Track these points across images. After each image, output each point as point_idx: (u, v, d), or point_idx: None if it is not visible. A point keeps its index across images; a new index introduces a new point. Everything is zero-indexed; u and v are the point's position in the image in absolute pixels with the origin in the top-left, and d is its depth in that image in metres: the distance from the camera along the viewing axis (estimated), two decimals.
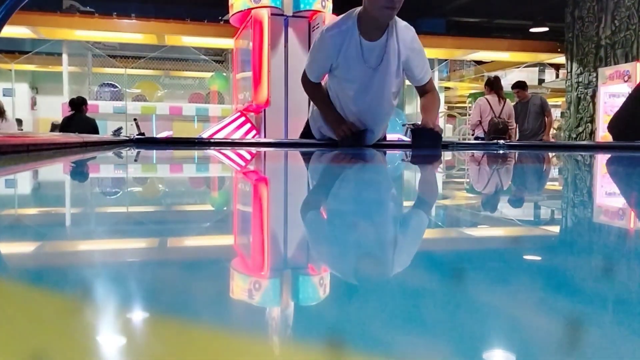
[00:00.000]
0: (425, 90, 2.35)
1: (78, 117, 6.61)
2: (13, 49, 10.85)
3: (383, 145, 2.46)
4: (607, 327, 0.25)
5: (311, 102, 2.48)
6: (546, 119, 6.51)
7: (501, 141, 2.82)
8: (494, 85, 6.36)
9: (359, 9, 2.18)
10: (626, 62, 8.10)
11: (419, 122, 2.32)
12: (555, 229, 0.61)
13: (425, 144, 2.20)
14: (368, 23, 2.14)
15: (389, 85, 2.24)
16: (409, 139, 6.92)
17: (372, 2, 2.10)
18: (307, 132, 2.55)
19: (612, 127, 3.25)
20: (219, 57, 11.22)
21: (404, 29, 2.22)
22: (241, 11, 5.62)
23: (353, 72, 2.20)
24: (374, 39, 2.16)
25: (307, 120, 2.57)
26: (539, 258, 0.41)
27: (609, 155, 2.34)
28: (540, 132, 6.50)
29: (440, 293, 0.30)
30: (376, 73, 2.19)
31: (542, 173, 1.47)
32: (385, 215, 0.64)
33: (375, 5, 2.09)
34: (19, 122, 10.32)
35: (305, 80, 2.34)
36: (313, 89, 2.35)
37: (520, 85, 6.63)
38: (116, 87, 10.95)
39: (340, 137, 2.23)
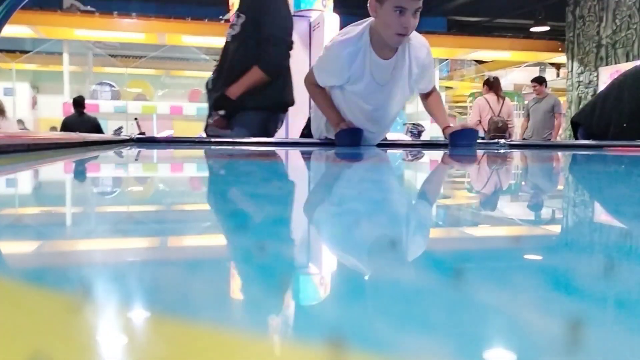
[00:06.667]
0: (429, 92, 2.40)
1: (80, 117, 6.64)
2: (14, 49, 10.87)
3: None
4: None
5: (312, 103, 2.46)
6: (555, 120, 6.54)
7: (502, 140, 2.82)
8: (492, 84, 6.40)
9: (369, 22, 2.12)
10: (627, 61, 8.11)
11: (420, 123, 2.38)
12: (557, 229, 0.60)
13: (464, 144, 2.24)
14: (380, 42, 2.08)
15: (396, 100, 2.24)
16: (410, 138, 6.92)
17: (384, 28, 2.02)
18: (306, 133, 2.55)
19: (574, 123, 3.23)
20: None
21: (418, 45, 2.18)
22: None
23: (361, 87, 2.17)
24: (386, 57, 2.11)
25: (308, 120, 2.57)
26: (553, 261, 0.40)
27: (606, 155, 2.33)
28: (546, 132, 6.52)
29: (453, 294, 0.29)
30: (384, 89, 2.17)
31: (543, 172, 1.47)
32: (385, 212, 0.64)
33: (387, 32, 2.02)
34: (20, 122, 10.34)
35: (310, 81, 2.29)
36: (316, 89, 2.29)
37: (538, 80, 6.69)
38: (114, 86, 10.97)
39: (337, 135, 2.17)
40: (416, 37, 2.17)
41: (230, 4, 5.85)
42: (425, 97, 2.41)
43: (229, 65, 2.61)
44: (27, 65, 11.35)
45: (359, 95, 2.19)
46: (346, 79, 2.15)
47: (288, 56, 2.62)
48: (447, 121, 2.37)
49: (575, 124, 3.22)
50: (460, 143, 2.23)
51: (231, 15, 5.89)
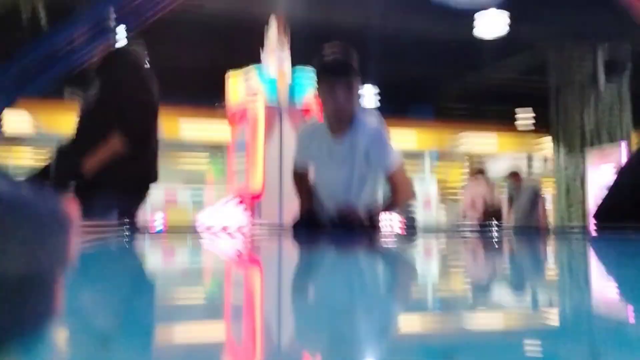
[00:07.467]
0: (394, 183, 2.23)
1: None
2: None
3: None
4: None
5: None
6: (539, 206, 6.64)
7: (493, 224, 2.83)
8: (480, 171, 6.66)
9: None
10: (612, 141, 8.35)
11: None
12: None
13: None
14: (331, 124, 2.17)
15: (355, 178, 2.21)
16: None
17: (323, 108, 2.15)
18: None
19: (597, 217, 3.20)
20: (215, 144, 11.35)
21: (367, 120, 2.19)
22: (237, 103, 5.82)
23: (319, 166, 2.27)
24: (339, 135, 2.16)
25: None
26: None
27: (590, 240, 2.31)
28: (532, 219, 6.58)
29: None
30: (343, 168, 2.19)
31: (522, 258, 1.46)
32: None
33: (326, 111, 2.15)
34: None
35: (292, 170, 2.42)
36: (295, 178, 2.41)
37: (513, 174, 6.87)
38: None
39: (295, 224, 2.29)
40: (369, 115, 2.22)
41: (226, 95, 6.03)
42: (391, 186, 2.25)
43: (83, 133, 2.31)
44: None
45: (320, 176, 2.28)
46: (309, 156, 2.28)
47: (153, 122, 2.35)
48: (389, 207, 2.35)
49: (597, 219, 3.20)
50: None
51: (226, 106, 6.08)
